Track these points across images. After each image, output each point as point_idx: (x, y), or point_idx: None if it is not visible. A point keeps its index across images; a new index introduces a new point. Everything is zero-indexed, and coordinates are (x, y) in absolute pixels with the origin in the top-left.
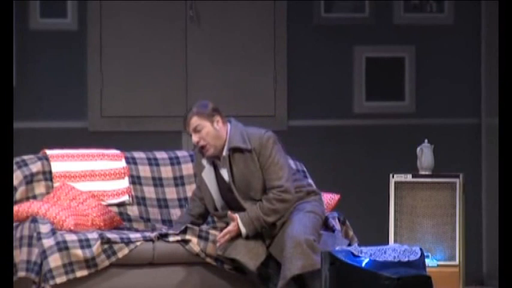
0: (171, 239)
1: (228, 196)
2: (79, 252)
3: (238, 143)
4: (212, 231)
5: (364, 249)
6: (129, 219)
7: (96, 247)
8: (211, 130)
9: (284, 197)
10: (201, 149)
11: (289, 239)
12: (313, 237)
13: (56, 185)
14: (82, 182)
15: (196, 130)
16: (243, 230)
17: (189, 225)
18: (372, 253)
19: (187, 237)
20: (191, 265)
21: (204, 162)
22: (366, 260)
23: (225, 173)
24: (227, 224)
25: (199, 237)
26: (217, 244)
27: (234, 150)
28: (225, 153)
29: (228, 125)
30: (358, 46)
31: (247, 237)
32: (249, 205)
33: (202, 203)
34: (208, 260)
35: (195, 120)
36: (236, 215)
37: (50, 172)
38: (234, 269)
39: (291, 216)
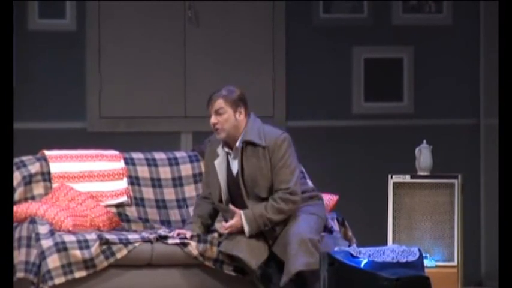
0: (170, 241)
1: (233, 190)
2: (77, 253)
3: (253, 137)
4: (210, 234)
5: (362, 250)
6: (128, 220)
7: (94, 248)
8: (231, 118)
9: (289, 198)
10: (215, 130)
11: (294, 236)
12: (317, 238)
13: (54, 185)
14: (81, 182)
15: (218, 113)
16: (246, 228)
17: (193, 233)
18: (370, 254)
19: (186, 240)
20: (190, 267)
21: (219, 151)
22: (365, 261)
23: (234, 166)
24: (227, 221)
25: (198, 240)
26: (221, 231)
27: (247, 143)
28: (238, 144)
29: (248, 118)
30: (356, 47)
31: (250, 236)
32: (252, 202)
33: (208, 204)
34: (207, 262)
35: (219, 103)
36: (239, 211)
37: (49, 173)
38: (233, 270)
39: (295, 217)
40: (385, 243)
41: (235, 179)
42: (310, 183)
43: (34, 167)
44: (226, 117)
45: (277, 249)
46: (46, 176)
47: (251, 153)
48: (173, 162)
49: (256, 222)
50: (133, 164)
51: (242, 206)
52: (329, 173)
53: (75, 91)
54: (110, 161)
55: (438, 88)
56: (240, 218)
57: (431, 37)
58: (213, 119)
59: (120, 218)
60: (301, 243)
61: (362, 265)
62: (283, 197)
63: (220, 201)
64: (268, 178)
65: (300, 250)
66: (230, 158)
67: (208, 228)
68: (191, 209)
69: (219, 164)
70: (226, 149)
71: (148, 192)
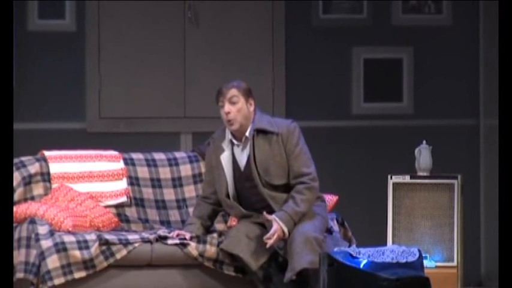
0: (170, 242)
1: (239, 185)
2: (77, 253)
3: (265, 125)
4: (210, 235)
5: (362, 250)
6: (127, 221)
7: (94, 248)
8: (244, 108)
9: (313, 185)
10: (228, 121)
11: (299, 235)
12: (321, 237)
13: (54, 186)
14: (80, 183)
15: (232, 101)
16: (285, 229)
17: (192, 235)
18: (370, 254)
19: (186, 240)
20: (189, 268)
21: (225, 145)
22: (364, 261)
23: (242, 159)
24: (227, 221)
25: (198, 241)
26: (267, 246)
27: (258, 131)
28: (248, 133)
29: (255, 112)
30: (356, 47)
31: (252, 236)
32: (267, 191)
33: (207, 205)
34: (207, 263)
35: (233, 92)
36: (273, 216)
37: (48, 173)
38: (233, 270)
39: None
40: (385, 243)
41: (243, 172)
42: None
43: (34, 168)
44: (239, 106)
45: (280, 247)
46: (46, 177)
47: (263, 141)
48: (173, 163)
49: (292, 220)
50: (133, 165)
51: (247, 200)
52: (329, 173)
53: (74, 91)
54: (110, 162)
55: (438, 88)
56: (277, 223)
57: (431, 37)
58: (227, 108)
59: (120, 218)
60: (306, 242)
61: (362, 265)
62: (308, 186)
63: (227, 196)
64: (281, 165)
65: (305, 248)
66: (237, 151)
67: (207, 230)
68: (191, 210)
69: (224, 158)
70: (236, 142)
71: (148, 193)
